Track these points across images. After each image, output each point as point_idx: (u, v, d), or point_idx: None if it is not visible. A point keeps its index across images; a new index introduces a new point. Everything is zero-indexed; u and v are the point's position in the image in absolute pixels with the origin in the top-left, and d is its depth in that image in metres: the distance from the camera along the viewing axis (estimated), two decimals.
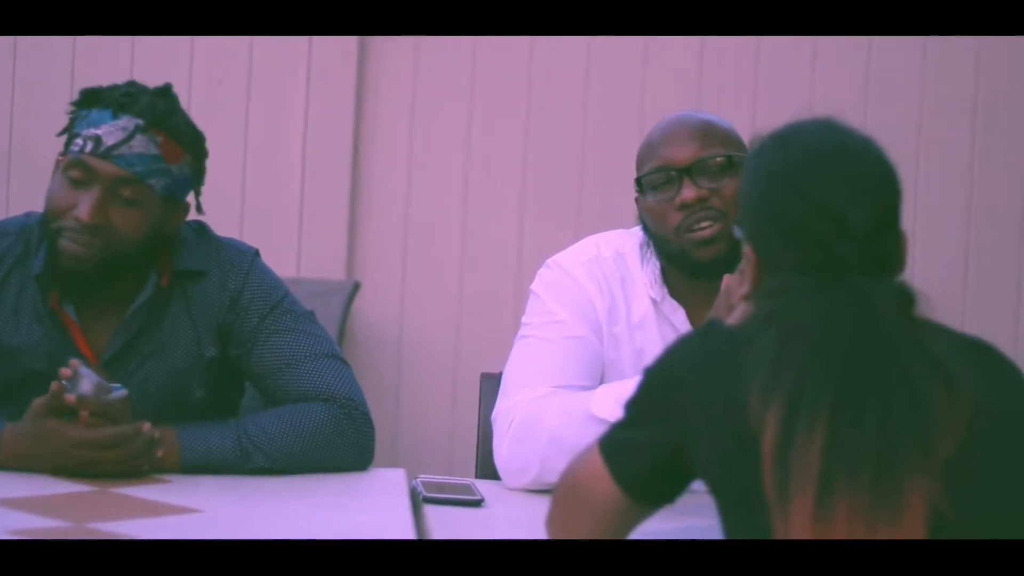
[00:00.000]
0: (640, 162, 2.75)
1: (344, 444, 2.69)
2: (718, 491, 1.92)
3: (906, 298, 1.89)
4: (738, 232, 2.00)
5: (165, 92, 2.71)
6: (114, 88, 2.68)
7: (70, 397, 2.51)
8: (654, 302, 2.75)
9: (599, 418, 2.54)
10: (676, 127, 2.73)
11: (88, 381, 2.52)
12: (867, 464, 1.80)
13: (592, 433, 2.25)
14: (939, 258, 4.69)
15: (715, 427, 1.89)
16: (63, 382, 2.52)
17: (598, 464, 2.00)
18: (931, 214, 4.69)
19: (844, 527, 1.79)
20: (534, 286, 2.82)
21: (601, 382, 2.75)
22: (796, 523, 1.80)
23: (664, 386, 1.96)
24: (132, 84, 2.71)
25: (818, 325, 1.85)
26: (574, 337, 2.74)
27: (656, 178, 2.68)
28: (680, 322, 2.74)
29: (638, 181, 2.71)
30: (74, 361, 2.55)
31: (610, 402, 2.56)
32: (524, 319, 2.81)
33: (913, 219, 4.63)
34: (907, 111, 4.71)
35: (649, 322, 2.76)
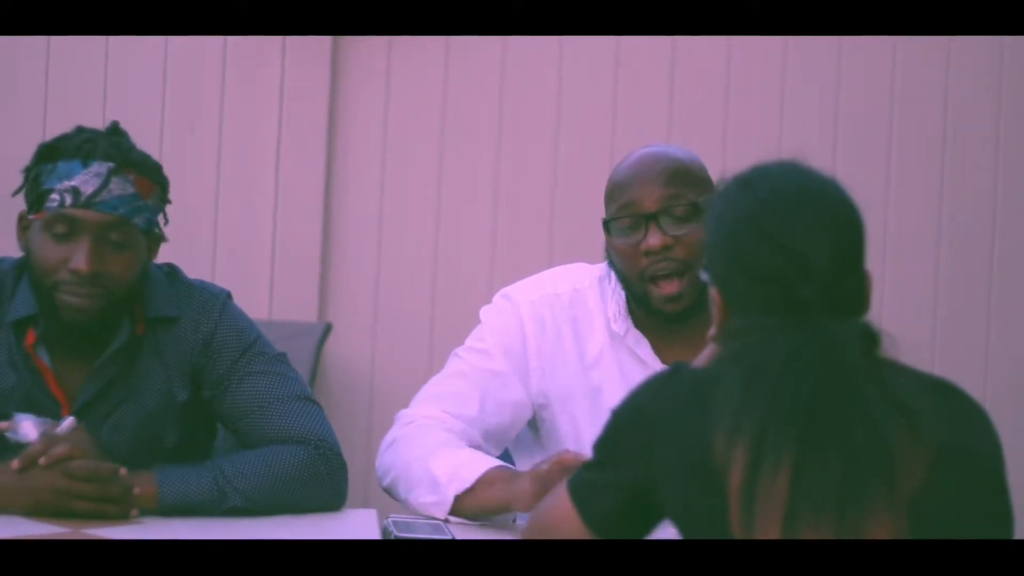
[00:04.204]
0: (608, 199, 2.76)
1: (319, 485, 2.70)
2: (686, 531, 1.94)
3: (870, 338, 1.91)
4: (704, 275, 2.02)
5: (118, 130, 2.74)
6: (70, 137, 2.69)
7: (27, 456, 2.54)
8: (616, 336, 2.77)
9: (434, 476, 2.64)
10: (644, 168, 2.73)
11: (29, 424, 2.55)
12: (831, 502, 1.82)
13: (424, 492, 2.56)
14: (908, 292, 4.72)
15: (682, 467, 1.91)
16: (7, 435, 2.54)
17: (567, 505, 2.02)
18: (901, 246, 4.71)
19: None
20: (482, 310, 2.89)
21: (546, 424, 2.82)
22: None
23: (631, 428, 1.98)
24: (82, 129, 2.72)
25: (781, 365, 1.87)
26: (490, 371, 2.80)
27: (623, 222, 2.70)
28: (645, 353, 2.75)
29: (605, 224, 2.73)
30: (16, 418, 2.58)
31: (448, 469, 2.64)
32: (468, 337, 2.88)
33: (883, 254, 4.66)
34: (878, 114, 4.74)
35: (606, 359, 2.77)
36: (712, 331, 2.01)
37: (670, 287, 2.66)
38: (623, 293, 2.77)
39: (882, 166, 4.72)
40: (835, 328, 1.89)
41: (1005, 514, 1.93)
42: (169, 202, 2.77)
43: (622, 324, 2.77)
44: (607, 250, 2.77)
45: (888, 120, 4.74)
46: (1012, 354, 4.75)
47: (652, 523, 2.01)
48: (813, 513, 1.82)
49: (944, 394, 1.95)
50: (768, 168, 1.98)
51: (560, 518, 2.02)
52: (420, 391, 2.86)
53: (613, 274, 2.79)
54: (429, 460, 2.68)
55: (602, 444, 2.02)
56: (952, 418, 1.92)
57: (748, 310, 1.93)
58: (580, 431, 2.79)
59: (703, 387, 1.92)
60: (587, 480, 2.02)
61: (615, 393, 2.73)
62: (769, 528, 1.82)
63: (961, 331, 4.75)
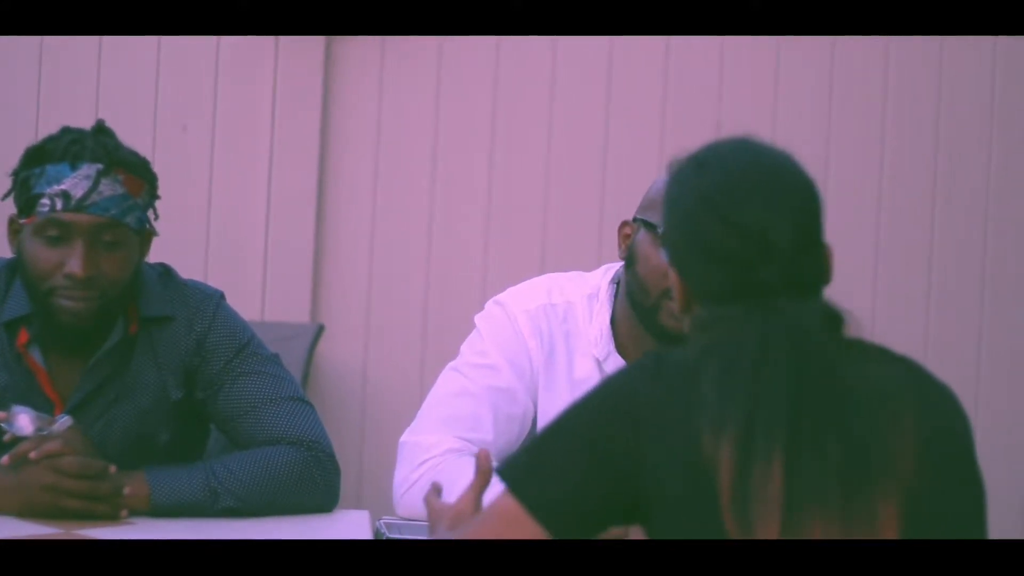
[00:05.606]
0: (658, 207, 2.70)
1: (311, 487, 2.70)
2: (671, 526, 1.87)
3: (834, 318, 1.88)
4: (663, 255, 1.99)
5: (104, 129, 2.73)
6: (56, 139, 2.68)
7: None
8: (597, 361, 2.74)
9: None
10: None
11: (26, 418, 2.55)
12: (834, 491, 1.79)
13: None
14: (900, 293, 4.72)
15: (673, 460, 1.85)
16: (2, 425, 2.55)
17: (514, 505, 1.90)
18: (893, 246, 4.72)
19: None
20: (478, 318, 2.82)
21: (529, 434, 2.76)
22: None
23: (612, 416, 1.88)
24: (68, 130, 2.71)
25: (755, 355, 1.83)
26: (499, 388, 2.74)
27: None
28: None
29: (655, 230, 2.64)
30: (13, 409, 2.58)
31: None
32: (462, 347, 2.81)
33: (874, 254, 4.66)
34: (871, 114, 4.73)
35: (592, 379, 2.74)
36: (677, 307, 1.95)
37: None
38: (607, 315, 2.75)
39: (875, 166, 4.72)
40: (800, 310, 1.85)
41: (978, 487, 1.91)
42: (159, 197, 2.76)
43: (603, 348, 2.74)
44: (628, 247, 2.72)
45: (881, 120, 4.74)
46: (1004, 356, 4.75)
47: (610, 520, 1.91)
48: (817, 504, 1.79)
49: (913, 374, 1.92)
50: (721, 146, 1.95)
51: (499, 516, 1.90)
52: (423, 412, 2.77)
53: (601, 293, 2.76)
54: None
55: (565, 433, 1.90)
56: (926, 399, 1.89)
57: (708, 293, 1.90)
58: None
59: (688, 376, 1.86)
60: (533, 468, 1.90)
61: None
62: (768, 523, 1.79)
63: (953, 333, 4.75)
